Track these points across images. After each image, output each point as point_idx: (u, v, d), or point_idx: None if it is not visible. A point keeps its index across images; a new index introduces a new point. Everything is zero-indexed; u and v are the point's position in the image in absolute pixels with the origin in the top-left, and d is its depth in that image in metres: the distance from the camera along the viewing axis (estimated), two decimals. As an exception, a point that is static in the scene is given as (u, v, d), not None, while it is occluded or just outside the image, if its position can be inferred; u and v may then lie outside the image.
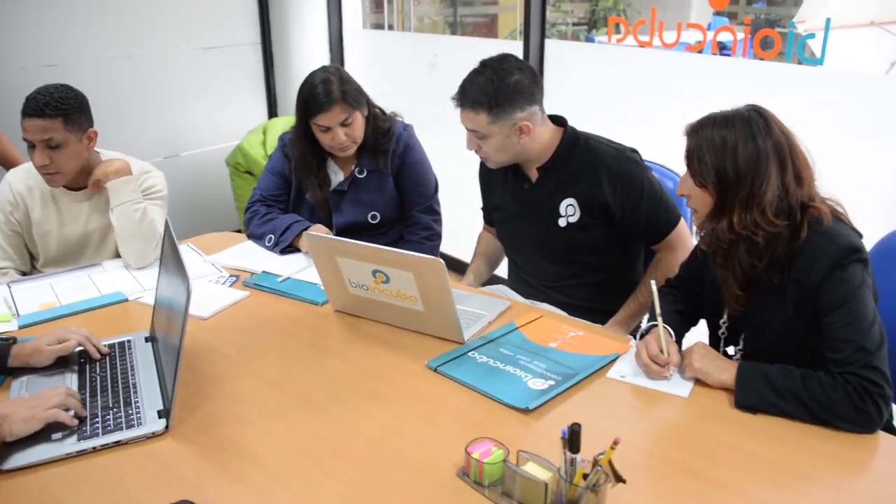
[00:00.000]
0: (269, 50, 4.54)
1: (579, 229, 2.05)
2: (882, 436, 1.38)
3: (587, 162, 2.02)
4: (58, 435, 1.38)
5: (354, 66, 4.36)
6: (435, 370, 1.62)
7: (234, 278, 2.16)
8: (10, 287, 2.09)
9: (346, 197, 2.43)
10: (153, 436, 1.40)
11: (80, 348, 1.66)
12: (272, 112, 4.65)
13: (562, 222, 2.06)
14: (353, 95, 2.26)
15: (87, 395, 1.53)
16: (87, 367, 1.65)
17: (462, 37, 6.04)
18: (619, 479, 1.13)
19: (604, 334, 1.81)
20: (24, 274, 2.31)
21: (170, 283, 1.59)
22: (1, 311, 1.96)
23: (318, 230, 2.30)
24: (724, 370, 1.51)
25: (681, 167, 2.11)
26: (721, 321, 1.69)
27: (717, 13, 3.00)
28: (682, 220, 2.05)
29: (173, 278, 1.53)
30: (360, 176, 2.42)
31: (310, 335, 1.84)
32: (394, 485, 1.27)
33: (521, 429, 1.42)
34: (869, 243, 1.55)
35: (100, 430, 1.40)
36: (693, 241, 2.01)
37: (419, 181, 2.48)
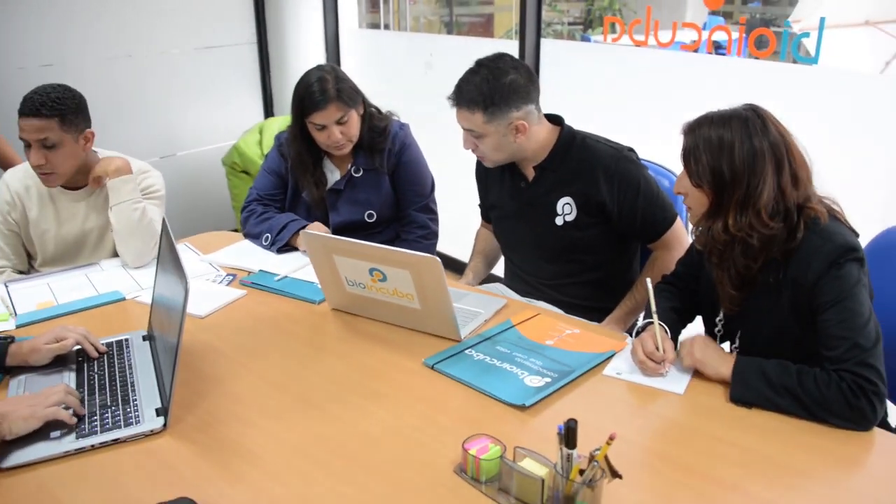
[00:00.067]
0: (266, 50, 4.54)
1: (576, 228, 2.06)
2: (878, 432, 1.38)
3: (584, 161, 2.03)
4: (56, 433, 1.38)
5: (350, 66, 4.36)
6: (432, 368, 1.63)
7: (232, 277, 2.16)
8: (7, 286, 2.10)
9: (342, 196, 2.43)
10: (151, 434, 1.41)
11: (78, 347, 1.67)
12: (268, 112, 4.65)
13: (558, 221, 2.07)
14: (348, 94, 2.27)
15: (86, 393, 1.53)
16: (85, 365, 1.65)
17: (458, 36, 6.04)
18: (615, 474, 1.14)
19: (600, 332, 1.82)
20: (21, 273, 2.31)
21: (167, 281, 1.59)
22: (-2, 310, 1.97)
23: (318, 228, 2.30)
24: (723, 363, 1.52)
25: (677, 166, 2.12)
26: (717, 319, 1.70)
27: (713, 12, 3.01)
28: (679, 219, 2.06)
29: (171, 277, 1.53)
30: (357, 175, 2.42)
31: (307, 334, 1.85)
32: (391, 481, 1.28)
33: (517, 425, 1.43)
34: (863, 241, 1.56)
35: (98, 428, 1.40)
36: (689, 239, 2.01)
37: (415, 180, 2.48)
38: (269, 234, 2.34)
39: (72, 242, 2.30)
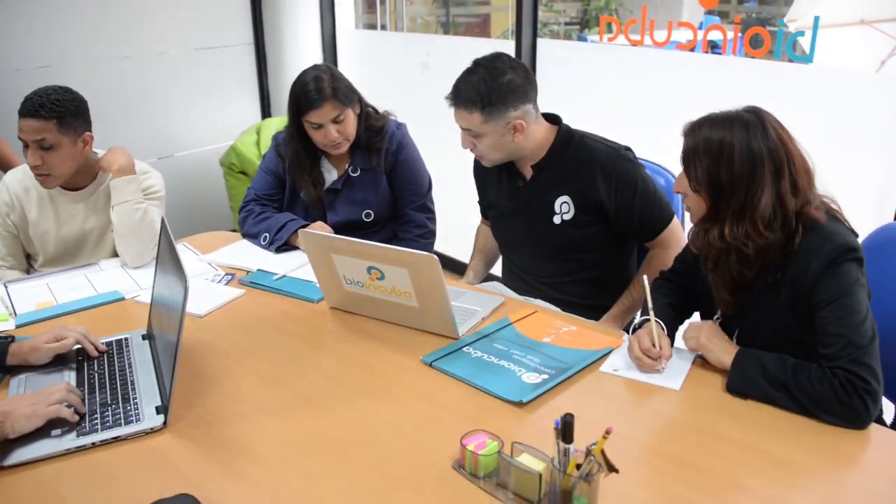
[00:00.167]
0: (263, 50, 4.54)
1: (574, 226, 2.07)
2: (875, 428, 1.39)
3: (582, 160, 2.04)
4: (57, 431, 1.39)
5: (347, 67, 4.37)
6: (430, 365, 1.64)
7: (230, 277, 2.17)
8: (6, 287, 2.10)
9: (340, 195, 2.44)
10: (151, 431, 1.42)
11: (78, 346, 1.67)
12: (266, 112, 4.65)
13: (556, 220, 2.08)
14: (344, 92, 2.28)
15: (86, 392, 1.54)
16: (86, 364, 1.66)
17: (454, 36, 6.05)
18: (611, 468, 1.15)
19: (597, 329, 1.83)
20: (24, 273, 2.32)
21: (167, 281, 1.60)
22: (-2, 310, 1.97)
23: (321, 228, 2.31)
24: (727, 352, 1.53)
25: (673, 164, 2.13)
26: (715, 317, 1.70)
27: (709, 12, 3.03)
28: (675, 218, 2.07)
29: (170, 276, 1.54)
30: (354, 174, 2.43)
31: (306, 332, 1.86)
32: (390, 477, 1.29)
33: (515, 422, 1.44)
34: (859, 239, 1.57)
35: (99, 426, 1.41)
36: (686, 237, 2.02)
37: (412, 179, 2.49)
38: (267, 234, 2.35)
39: (72, 243, 2.31)
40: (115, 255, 2.29)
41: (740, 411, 1.44)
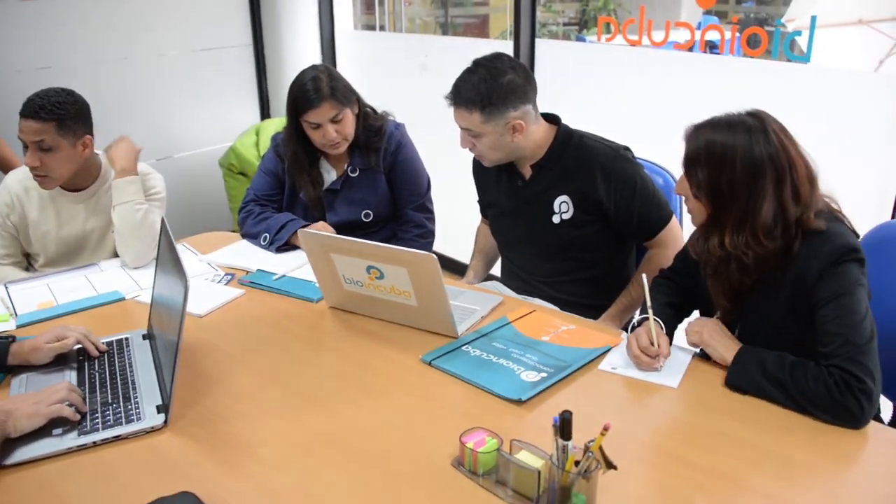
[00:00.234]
0: (261, 52, 4.55)
1: (573, 226, 2.08)
2: (874, 425, 1.39)
3: (581, 159, 2.04)
4: (59, 430, 1.40)
5: (346, 67, 4.38)
6: (429, 364, 1.65)
7: (230, 277, 2.18)
8: (6, 287, 2.11)
9: (339, 196, 2.45)
10: (152, 430, 1.42)
11: (79, 346, 1.68)
12: (265, 113, 4.66)
13: (555, 219, 2.08)
14: (342, 92, 2.29)
15: (87, 391, 1.54)
16: (86, 364, 1.66)
17: (453, 37, 6.06)
18: (609, 465, 1.15)
19: (595, 328, 1.84)
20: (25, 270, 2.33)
21: (167, 281, 1.61)
22: (-2, 310, 1.98)
23: (323, 228, 2.32)
24: (729, 349, 1.54)
25: (671, 164, 2.14)
26: (715, 316, 1.71)
27: (707, 12, 3.04)
28: (674, 218, 2.08)
29: (170, 277, 1.55)
30: (353, 175, 2.44)
31: (305, 332, 1.86)
32: (390, 474, 1.29)
33: (514, 419, 1.45)
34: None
35: (100, 425, 1.42)
36: (685, 237, 2.03)
37: (411, 179, 2.50)
38: (267, 234, 2.35)
39: (73, 244, 2.31)
40: (116, 255, 2.29)
41: (738, 409, 1.45)
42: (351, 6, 4.55)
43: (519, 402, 1.48)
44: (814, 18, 2.42)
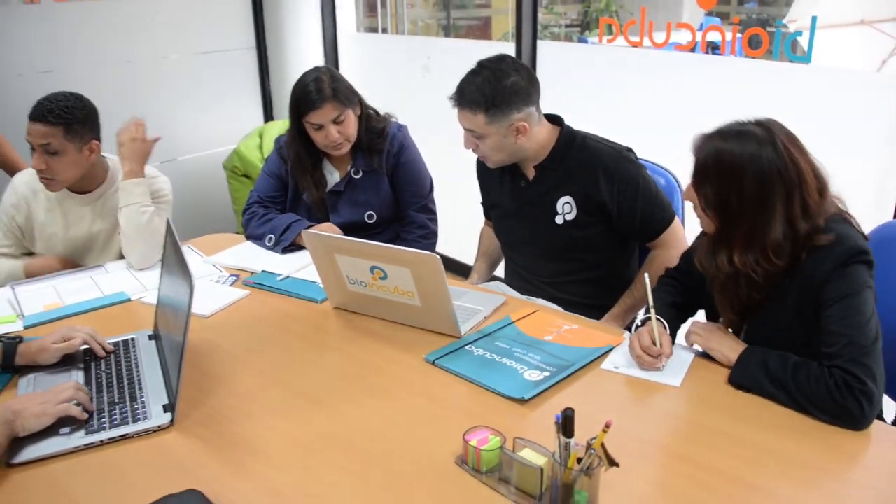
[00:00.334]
0: (264, 54, 4.56)
1: (576, 227, 2.09)
2: (878, 425, 1.40)
3: (584, 160, 2.05)
4: (66, 429, 1.41)
5: (349, 70, 4.39)
6: (433, 363, 1.66)
7: (235, 278, 2.19)
8: (13, 289, 2.13)
9: (342, 197, 2.46)
10: (159, 429, 1.44)
11: (86, 346, 1.69)
12: (268, 116, 4.67)
13: (559, 220, 2.09)
14: (344, 93, 2.30)
15: (94, 391, 1.56)
16: (93, 364, 1.68)
17: (455, 39, 6.07)
18: (612, 462, 1.16)
19: (598, 327, 1.85)
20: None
21: (172, 282, 1.62)
22: (5, 312, 1.99)
23: (329, 229, 2.33)
24: (733, 350, 1.55)
25: (672, 165, 2.15)
26: (720, 318, 1.71)
27: (708, 13, 3.04)
28: (677, 218, 2.08)
29: (176, 278, 1.56)
30: (356, 176, 2.45)
31: (310, 332, 1.87)
32: (394, 473, 1.30)
33: (517, 418, 1.46)
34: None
35: (107, 425, 1.43)
36: (688, 238, 2.03)
37: (414, 180, 2.51)
38: (272, 235, 2.36)
39: (80, 245, 2.33)
40: (122, 257, 2.31)
41: (741, 408, 1.46)
42: (353, 9, 4.57)
43: (522, 401, 1.49)
44: (814, 19, 2.43)
